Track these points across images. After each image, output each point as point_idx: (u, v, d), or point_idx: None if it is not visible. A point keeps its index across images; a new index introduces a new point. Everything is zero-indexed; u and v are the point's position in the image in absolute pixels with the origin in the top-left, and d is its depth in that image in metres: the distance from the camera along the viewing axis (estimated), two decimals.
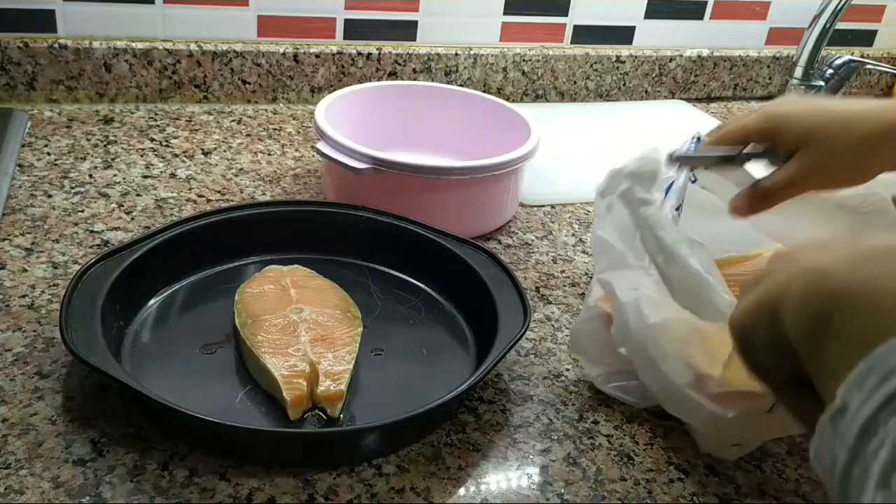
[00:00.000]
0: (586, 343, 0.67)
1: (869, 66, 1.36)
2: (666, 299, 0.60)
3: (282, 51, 1.14)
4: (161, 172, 0.94)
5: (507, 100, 1.15)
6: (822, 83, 1.32)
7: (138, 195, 0.89)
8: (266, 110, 1.15)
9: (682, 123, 1.29)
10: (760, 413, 0.58)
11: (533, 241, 0.90)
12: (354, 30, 1.18)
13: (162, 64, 1.10)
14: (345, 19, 1.17)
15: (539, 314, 0.77)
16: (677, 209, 0.65)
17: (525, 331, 0.66)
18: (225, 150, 1.01)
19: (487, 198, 0.88)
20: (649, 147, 0.65)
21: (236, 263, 0.77)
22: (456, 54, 1.22)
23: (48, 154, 0.95)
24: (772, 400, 0.57)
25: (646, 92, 1.37)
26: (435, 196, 0.85)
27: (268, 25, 1.14)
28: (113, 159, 0.96)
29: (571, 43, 1.30)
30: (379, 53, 1.18)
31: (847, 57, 1.33)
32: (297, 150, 1.04)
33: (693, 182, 0.69)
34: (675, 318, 0.59)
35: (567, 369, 0.70)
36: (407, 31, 1.21)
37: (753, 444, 0.63)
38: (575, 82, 1.31)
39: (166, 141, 1.02)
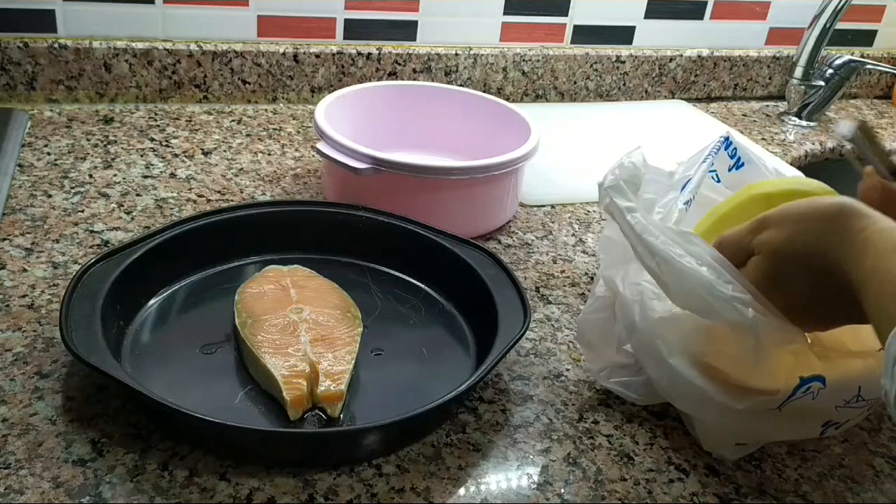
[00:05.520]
0: (592, 334, 0.67)
1: (869, 66, 1.36)
2: None
3: (282, 51, 1.14)
4: (161, 172, 0.94)
5: (507, 100, 1.15)
6: (822, 83, 1.32)
7: (138, 195, 0.89)
8: (266, 110, 1.15)
9: (682, 123, 1.29)
10: (770, 409, 0.58)
11: (533, 241, 0.90)
12: (354, 30, 1.18)
13: (162, 64, 1.10)
14: (345, 19, 1.17)
15: (539, 314, 0.77)
16: (686, 203, 0.66)
17: (525, 331, 0.66)
18: (225, 150, 1.01)
19: (487, 198, 0.88)
20: (626, 152, 0.65)
21: (236, 263, 0.77)
22: (456, 54, 1.22)
23: (48, 154, 0.95)
24: (783, 397, 0.57)
25: (646, 92, 1.37)
26: (435, 196, 0.85)
27: (268, 25, 1.14)
28: (113, 159, 0.96)
29: (571, 43, 1.30)
30: (379, 53, 1.18)
31: (847, 57, 1.33)
32: (297, 150, 1.04)
33: (717, 183, 0.69)
34: (682, 312, 0.59)
35: (567, 369, 0.70)
36: (407, 31, 1.21)
37: (757, 445, 0.63)
38: (575, 82, 1.31)
39: (166, 141, 1.02)
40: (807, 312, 0.57)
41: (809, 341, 0.58)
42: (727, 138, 0.70)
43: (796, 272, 0.56)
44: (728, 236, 0.60)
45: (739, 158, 0.70)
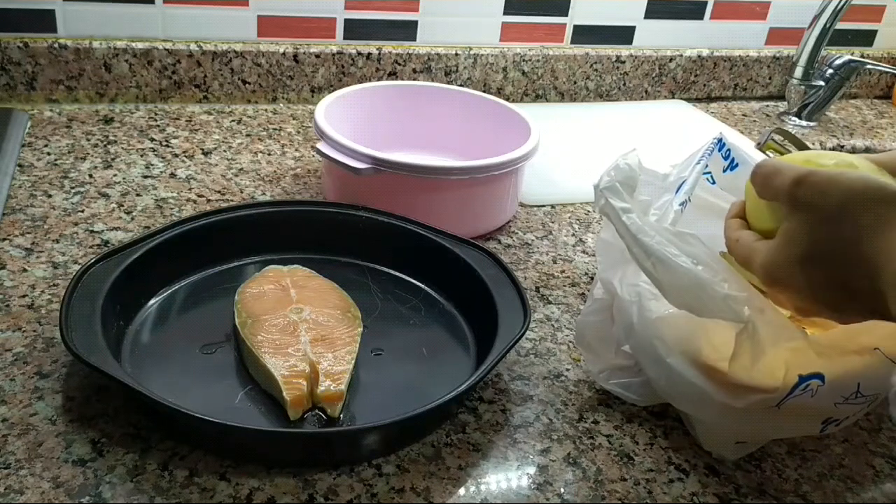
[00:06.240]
0: (591, 336, 0.67)
1: (869, 66, 1.36)
2: None
3: (282, 51, 1.14)
4: (161, 172, 0.94)
5: (507, 100, 1.15)
6: (822, 83, 1.32)
7: (138, 195, 0.89)
8: (266, 110, 1.15)
9: (682, 123, 1.29)
10: (769, 407, 0.58)
11: (533, 241, 0.90)
12: (354, 30, 1.18)
13: (162, 64, 1.10)
14: (345, 19, 1.17)
15: (539, 314, 0.77)
16: (682, 204, 0.66)
17: (525, 331, 0.66)
18: (225, 150, 1.01)
19: (487, 198, 0.88)
20: (622, 154, 0.65)
21: (236, 263, 0.77)
22: (456, 54, 1.22)
23: (48, 154, 0.95)
24: (781, 395, 0.57)
25: (646, 92, 1.37)
26: (435, 196, 0.85)
27: (268, 25, 1.14)
28: (113, 159, 0.96)
29: (571, 43, 1.30)
30: (379, 53, 1.18)
31: (847, 57, 1.33)
32: (297, 150, 1.04)
33: (712, 185, 0.69)
34: (679, 312, 0.59)
35: (567, 369, 0.70)
36: (407, 31, 1.21)
37: (757, 444, 0.63)
38: (575, 82, 1.31)
39: (166, 141, 1.02)
40: (827, 294, 0.53)
41: (808, 336, 0.58)
42: (720, 140, 0.70)
43: (824, 248, 0.51)
44: (766, 166, 0.55)
45: (733, 160, 0.70)
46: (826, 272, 0.52)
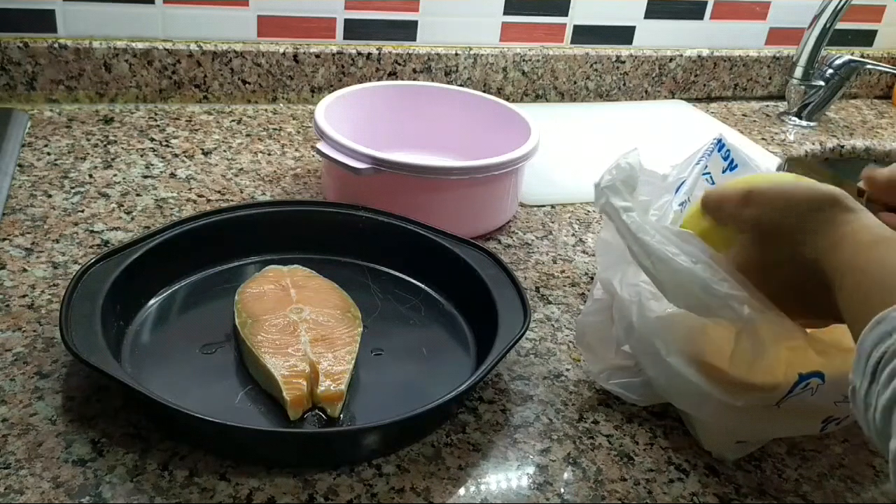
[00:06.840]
0: (591, 336, 0.67)
1: (869, 66, 1.36)
2: None
3: (282, 51, 1.14)
4: (161, 172, 0.94)
5: (507, 100, 1.15)
6: (822, 83, 1.32)
7: (138, 195, 0.89)
8: (266, 110, 1.15)
9: (682, 123, 1.29)
10: (769, 406, 0.58)
11: (533, 241, 0.90)
12: (354, 30, 1.18)
13: (162, 64, 1.10)
14: (345, 19, 1.17)
15: (539, 314, 0.77)
16: (681, 205, 0.66)
17: (525, 331, 0.66)
18: (225, 150, 1.01)
19: (487, 198, 0.88)
20: (623, 153, 0.65)
21: (236, 263, 0.77)
22: (456, 54, 1.22)
23: (48, 154, 0.95)
24: (781, 393, 0.57)
25: (646, 92, 1.37)
26: (435, 196, 0.85)
27: (268, 25, 1.14)
28: (113, 159, 0.96)
29: (571, 43, 1.30)
30: (379, 53, 1.18)
31: (847, 57, 1.33)
32: (297, 150, 1.04)
33: (712, 185, 0.69)
34: (679, 311, 0.60)
35: (567, 369, 0.70)
36: (407, 31, 1.21)
37: (757, 443, 0.63)
38: (575, 82, 1.31)
39: (166, 141, 1.02)
40: (791, 302, 0.57)
41: (808, 334, 0.58)
42: (720, 140, 0.70)
43: (779, 257, 0.55)
44: (713, 193, 0.61)
45: (733, 161, 0.70)
46: (784, 276, 0.56)
